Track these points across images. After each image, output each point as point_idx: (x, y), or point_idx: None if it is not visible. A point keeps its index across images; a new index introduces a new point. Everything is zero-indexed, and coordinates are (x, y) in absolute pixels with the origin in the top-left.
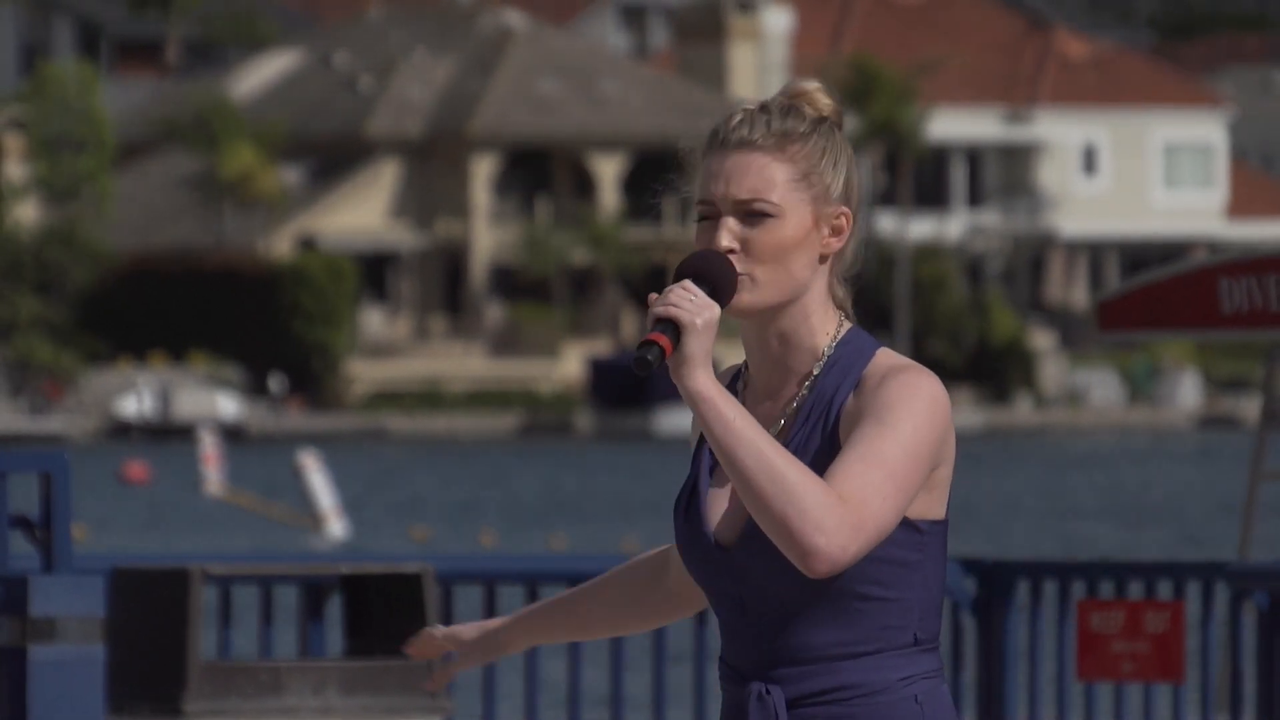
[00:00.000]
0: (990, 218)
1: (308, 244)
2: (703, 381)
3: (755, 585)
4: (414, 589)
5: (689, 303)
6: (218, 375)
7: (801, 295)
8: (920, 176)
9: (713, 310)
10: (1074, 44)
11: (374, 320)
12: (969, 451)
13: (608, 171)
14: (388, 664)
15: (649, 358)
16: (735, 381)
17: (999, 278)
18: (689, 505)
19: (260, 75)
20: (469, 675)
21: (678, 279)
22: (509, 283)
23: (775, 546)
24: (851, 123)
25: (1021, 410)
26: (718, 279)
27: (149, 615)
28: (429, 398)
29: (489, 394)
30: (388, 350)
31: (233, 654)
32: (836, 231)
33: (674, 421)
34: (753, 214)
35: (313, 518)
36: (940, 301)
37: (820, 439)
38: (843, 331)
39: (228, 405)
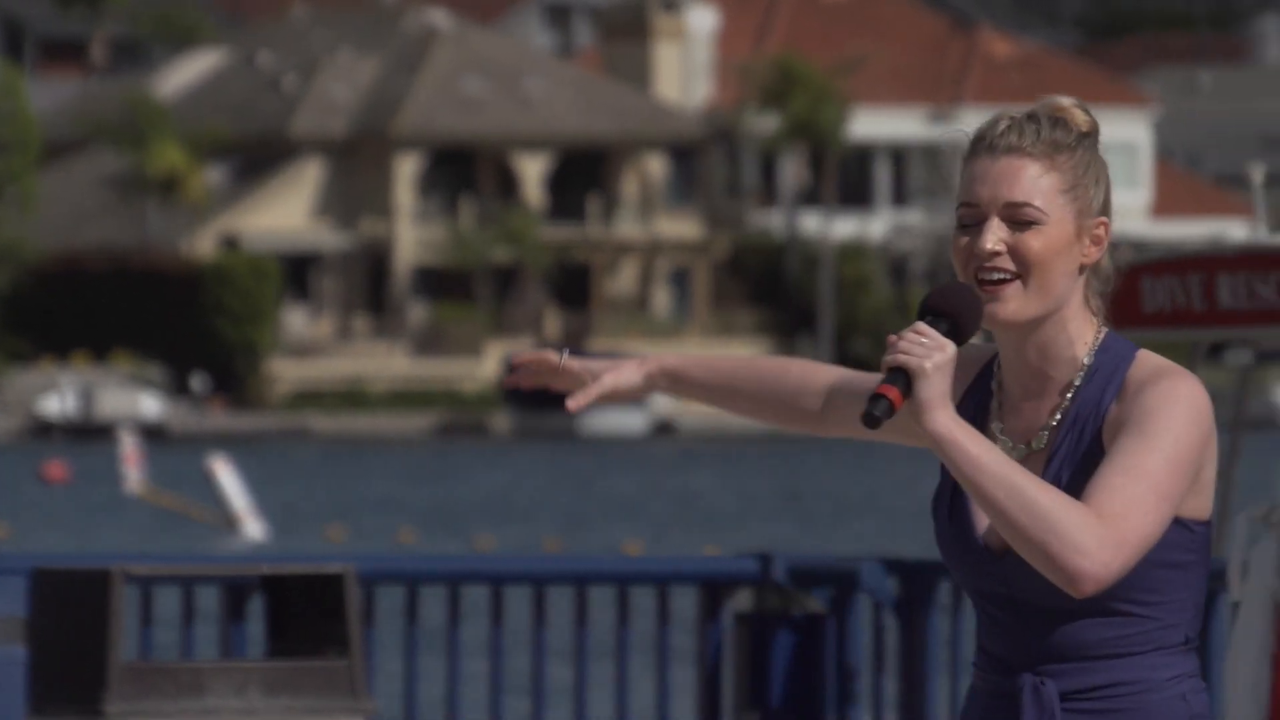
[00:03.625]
0: (914, 217)
1: (231, 243)
2: (942, 423)
3: (1027, 588)
4: (336, 589)
5: (919, 347)
6: (140, 375)
7: (1061, 306)
8: (844, 176)
9: (944, 351)
10: (999, 44)
11: (297, 320)
12: (892, 452)
13: (532, 171)
14: (309, 664)
15: (876, 413)
16: (987, 380)
17: (923, 277)
18: (952, 506)
19: (185, 74)
20: (389, 675)
21: (920, 317)
22: (432, 282)
23: None
24: (774, 121)
25: None
26: (959, 311)
27: (70, 616)
28: (351, 397)
29: (412, 394)
30: (310, 350)
31: (154, 655)
32: (1096, 242)
33: (597, 422)
34: (1020, 219)
35: (228, 519)
36: (864, 301)
37: (1088, 448)
38: (1100, 339)
39: (150, 405)
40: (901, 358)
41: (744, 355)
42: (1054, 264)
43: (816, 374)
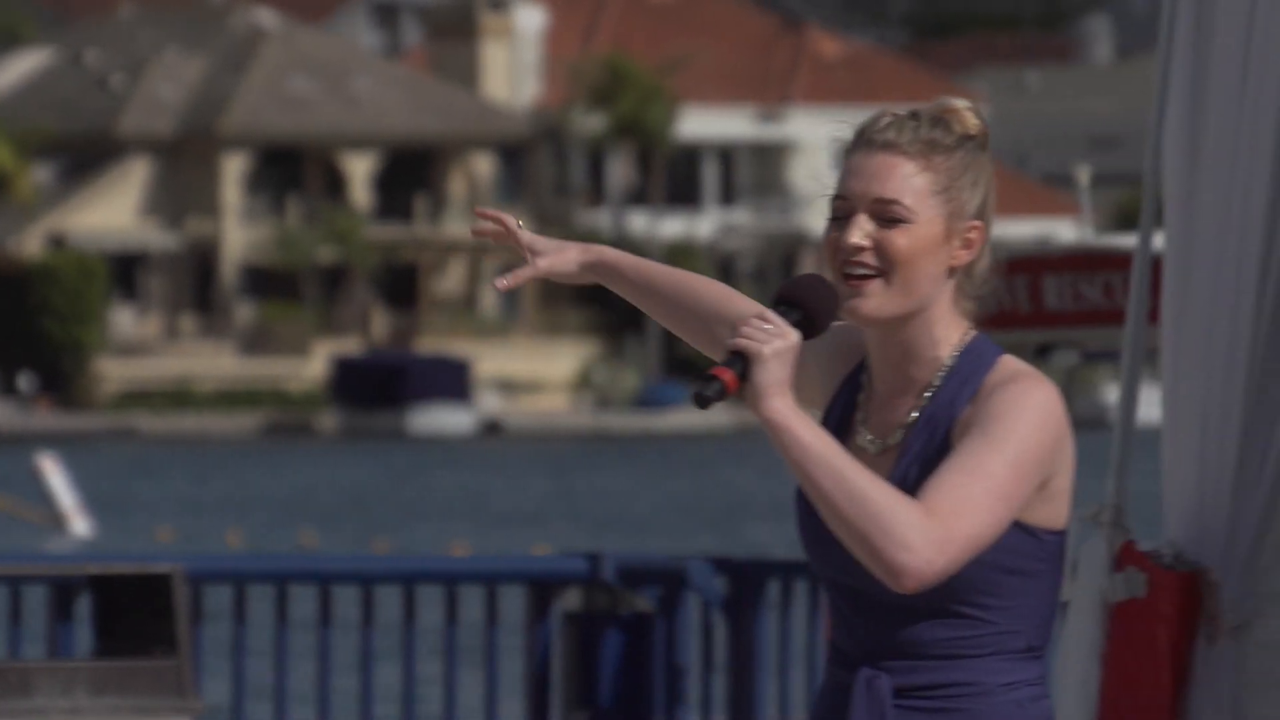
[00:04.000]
0: (742, 216)
1: (58, 242)
2: (775, 409)
3: (869, 582)
4: (164, 589)
5: (760, 333)
6: None
7: (926, 307)
8: (672, 175)
9: (786, 338)
10: (827, 43)
11: (124, 319)
12: (721, 453)
13: (359, 170)
14: (137, 664)
15: (708, 394)
16: (858, 376)
17: (751, 276)
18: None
19: (11, 73)
20: (215, 675)
21: (773, 306)
22: (260, 282)
23: None
24: (602, 120)
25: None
26: (811, 303)
27: None
28: (179, 397)
29: (239, 393)
30: (138, 349)
31: None
32: (967, 245)
33: (426, 421)
34: (887, 216)
35: (55, 518)
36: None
37: (939, 447)
38: (966, 341)
39: None
40: (741, 342)
41: (681, 270)
42: (918, 264)
43: (731, 303)
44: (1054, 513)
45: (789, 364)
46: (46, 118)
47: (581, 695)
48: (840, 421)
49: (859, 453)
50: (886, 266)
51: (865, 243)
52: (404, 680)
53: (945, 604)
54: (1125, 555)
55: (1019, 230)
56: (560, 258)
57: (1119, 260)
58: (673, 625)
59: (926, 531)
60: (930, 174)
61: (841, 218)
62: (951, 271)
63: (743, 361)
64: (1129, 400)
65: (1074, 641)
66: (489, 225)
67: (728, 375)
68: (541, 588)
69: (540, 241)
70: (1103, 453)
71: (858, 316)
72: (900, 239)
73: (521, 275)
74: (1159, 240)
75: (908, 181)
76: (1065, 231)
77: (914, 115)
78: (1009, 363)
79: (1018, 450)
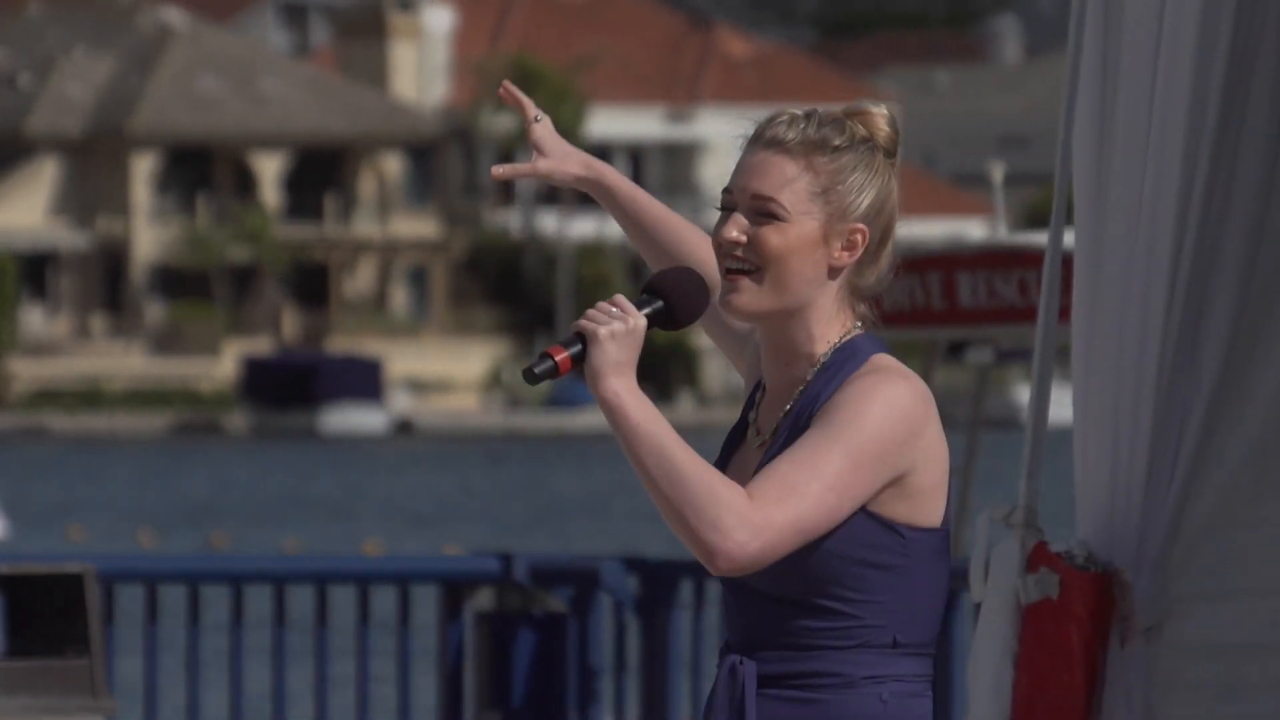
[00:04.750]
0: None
1: None
2: (608, 389)
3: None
4: (75, 588)
5: (603, 316)
6: None
7: (805, 305)
8: None
9: (626, 321)
10: (735, 43)
11: (34, 319)
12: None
13: (269, 169)
14: (49, 664)
15: (537, 371)
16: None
17: None
18: None
19: None
20: (128, 674)
21: (640, 293)
22: (170, 281)
23: None
24: (512, 120)
25: (684, 408)
26: (673, 294)
27: None
28: (89, 396)
29: (149, 393)
30: (48, 349)
31: None
32: (849, 247)
33: (338, 420)
34: (762, 212)
35: None
36: (602, 299)
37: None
38: (845, 340)
39: None
40: (583, 323)
41: (667, 210)
42: (791, 262)
43: (704, 249)
44: (915, 509)
45: (629, 347)
46: None
47: (494, 695)
48: (742, 421)
49: (747, 449)
50: (760, 262)
51: (740, 237)
52: (316, 680)
53: (807, 595)
54: (1038, 556)
55: (928, 230)
56: (561, 165)
57: (1033, 258)
58: (585, 625)
59: (743, 516)
60: (811, 174)
61: (725, 211)
62: (833, 272)
63: (582, 342)
64: (1040, 400)
65: (987, 643)
66: (507, 169)
67: (561, 355)
68: (454, 587)
69: (549, 142)
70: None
71: (730, 310)
72: (773, 236)
73: (519, 170)
74: (1070, 238)
75: (785, 179)
76: (975, 231)
77: (809, 115)
78: (879, 360)
79: (857, 442)
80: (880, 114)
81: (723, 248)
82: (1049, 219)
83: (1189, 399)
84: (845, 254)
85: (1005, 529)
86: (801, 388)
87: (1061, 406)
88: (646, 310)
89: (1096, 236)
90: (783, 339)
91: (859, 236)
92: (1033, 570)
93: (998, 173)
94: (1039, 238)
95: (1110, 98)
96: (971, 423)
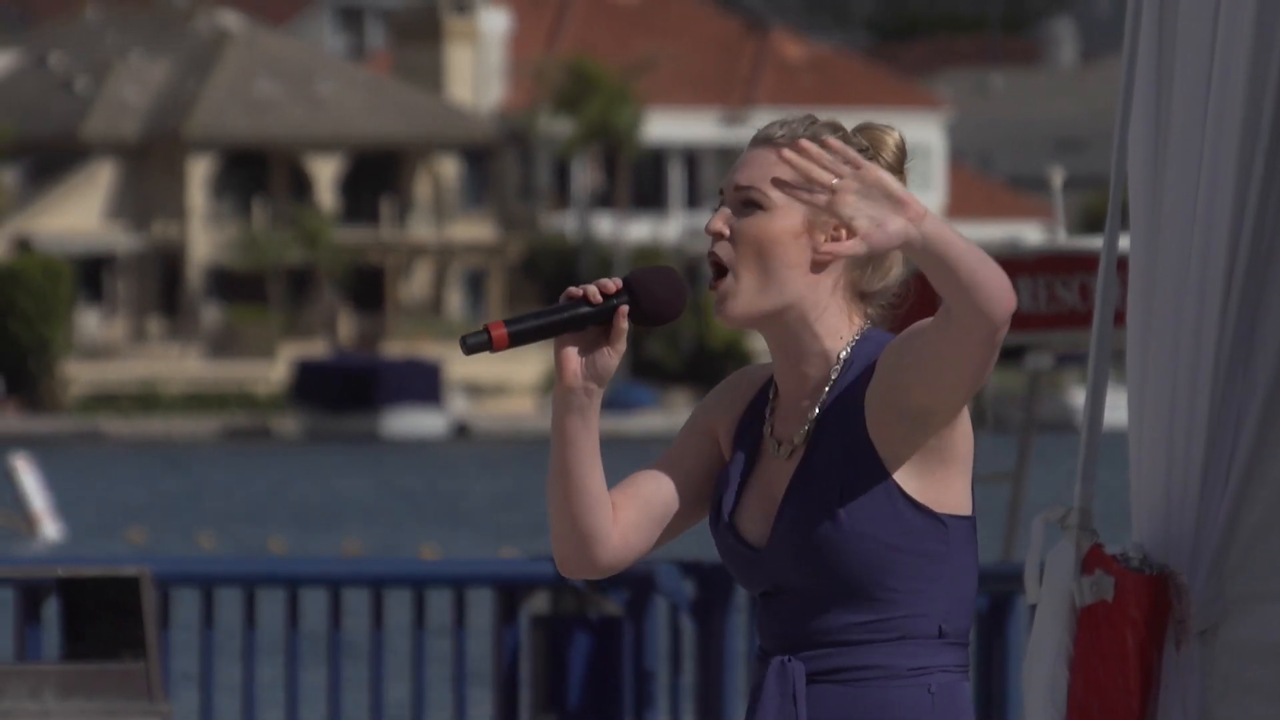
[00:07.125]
0: (708, 219)
1: (24, 245)
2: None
3: (783, 576)
4: (131, 592)
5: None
6: None
7: (797, 302)
8: (638, 178)
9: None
10: (791, 46)
11: (90, 322)
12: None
13: (325, 173)
14: (105, 667)
15: (470, 340)
16: (763, 397)
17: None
18: (717, 515)
19: None
20: (185, 677)
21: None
22: (226, 284)
23: (799, 543)
24: (568, 124)
25: None
26: (641, 291)
27: None
28: (145, 400)
29: (205, 396)
30: (104, 352)
31: None
32: (836, 240)
33: (400, 423)
34: (745, 202)
35: (26, 521)
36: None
37: (853, 440)
38: (859, 333)
39: None
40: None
41: (599, 471)
42: (770, 252)
43: (604, 526)
44: (953, 498)
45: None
46: (11, 121)
47: (550, 698)
48: (753, 442)
49: (770, 462)
50: (739, 254)
51: (723, 228)
52: (372, 682)
53: (853, 590)
54: (1093, 558)
55: (984, 233)
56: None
57: (1094, 262)
58: (641, 628)
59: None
60: None
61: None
62: (818, 265)
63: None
64: (1096, 403)
65: (1042, 645)
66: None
67: (499, 331)
68: (509, 591)
69: (604, 361)
70: (1070, 455)
71: (723, 317)
72: (751, 225)
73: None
74: (1125, 242)
75: (767, 170)
76: (1032, 234)
77: (810, 118)
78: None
79: None
80: (889, 134)
81: (709, 256)
82: (1104, 222)
83: (1244, 401)
84: (832, 246)
85: (1060, 531)
86: (828, 387)
87: (1117, 410)
88: (619, 303)
89: (1152, 240)
90: (786, 340)
91: (843, 232)
92: (1088, 572)
93: (1057, 178)
94: (1099, 242)
95: (1165, 100)
96: (1024, 426)
